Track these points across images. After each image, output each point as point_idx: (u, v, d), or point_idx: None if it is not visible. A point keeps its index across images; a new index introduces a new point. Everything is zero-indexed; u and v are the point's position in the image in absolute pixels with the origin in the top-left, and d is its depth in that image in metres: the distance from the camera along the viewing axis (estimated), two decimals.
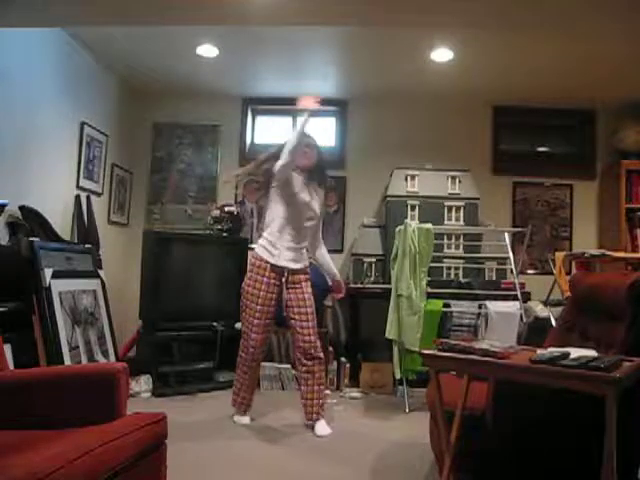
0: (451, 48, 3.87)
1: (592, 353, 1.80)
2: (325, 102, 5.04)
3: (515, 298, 3.74)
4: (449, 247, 4.27)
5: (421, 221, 4.02)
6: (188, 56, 4.13)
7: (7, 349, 2.67)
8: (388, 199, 4.44)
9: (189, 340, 4.07)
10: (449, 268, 4.25)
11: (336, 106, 5.07)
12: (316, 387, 3.09)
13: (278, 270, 3.06)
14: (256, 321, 3.05)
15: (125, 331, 4.34)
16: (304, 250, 3.19)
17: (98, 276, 3.76)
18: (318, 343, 3.11)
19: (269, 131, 5.23)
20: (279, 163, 3.00)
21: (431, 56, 3.99)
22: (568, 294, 2.94)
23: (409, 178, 4.44)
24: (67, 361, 3.12)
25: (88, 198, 4.10)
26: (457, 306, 3.81)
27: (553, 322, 3.41)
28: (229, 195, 4.97)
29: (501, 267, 4.23)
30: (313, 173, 3.16)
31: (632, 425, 1.77)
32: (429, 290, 3.71)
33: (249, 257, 3.20)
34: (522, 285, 3.91)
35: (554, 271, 3.83)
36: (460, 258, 4.26)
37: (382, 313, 3.77)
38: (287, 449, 2.84)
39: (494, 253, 4.21)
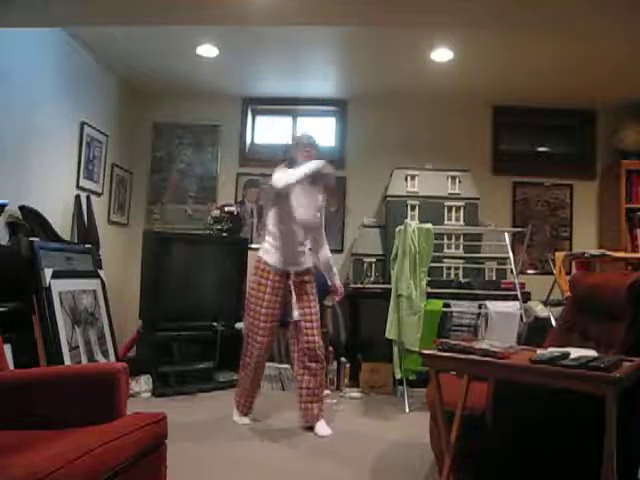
0: (451, 48, 3.87)
1: (592, 353, 1.80)
2: (325, 102, 5.10)
3: (515, 298, 3.74)
4: (449, 247, 4.27)
5: (421, 221, 4.02)
6: (188, 56, 4.13)
7: (7, 349, 2.67)
8: (388, 199, 4.44)
9: (189, 340, 4.07)
10: (449, 268, 4.25)
11: (336, 106, 5.08)
12: (317, 390, 3.09)
13: (281, 273, 3.06)
14: (262, 324, 3.05)
15: (125, 331, 4.34)
16: (307, 251, 3.19)
17: (98, 276, 3.76)
18: (322, 344, 3.12)
19: (269, 131, 5.24)
20: (284, 181, 2.91)
21: (431, 56, 3.99)
22: (568, 294, 2.94)
23: (409, 178, 4.44)
24: (67, 361, 3.12)
25: (88, 198, 4.10)
26: (457, 306, 3.81)
27: (553, 322, 3.41)
28: (229, 195, 4.98)
29: (501, 267, 4.23)
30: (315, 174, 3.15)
31: (632, 425, 1.77)
32: (429, 290, 3.72)
33: (253, 260, 3.19)
34: (522, 285, 3.91)
35: (554, 271, 3.83)
36: (460, 258, 4.26)
37: (382, 313, 3.77)
38: (287, 449, 2.84)
39: (494, 253, 4.21)
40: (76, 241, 3.87)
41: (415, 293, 3.64)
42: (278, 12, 2.91)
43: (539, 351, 1.87)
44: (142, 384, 3.78)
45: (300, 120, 5.20)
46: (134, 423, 1.69)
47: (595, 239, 4.89)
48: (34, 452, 1.41)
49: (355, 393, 4.04)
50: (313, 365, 3.07)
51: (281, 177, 2.95)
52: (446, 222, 4.32)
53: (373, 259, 4.46)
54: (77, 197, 4.00)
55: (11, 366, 2.56)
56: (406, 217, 4.19)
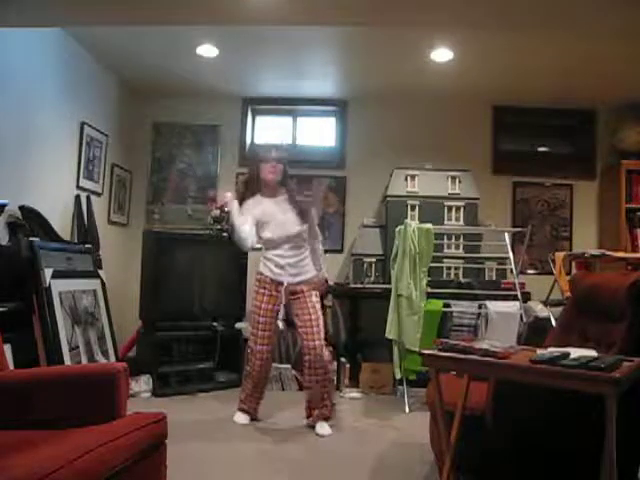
0: (451, 48, 3.87)
1: (592, 353, 1.80)
2: (325, 102, 5.09)
3: (515, 298, 3.74)
4: (449, 247, 4.27)
5: (421, 221, 4.01)
6: (188, 56, 4.12)
7: (7, 349, 2.66)
8: (388, 199, 4.44)
9: (189, 340, 4.07)
10: (449, 268, 4.24)
11: (336, 106, 5.07)
12: (320, 394, 3.11)
13: (277, 282, 3.12)
14: (260, 332, 3.13)
15: (125, 331, 4.33)
16: (304, 261, 3.17)
17: (98, 276, 3.76)
18: (324, 349, 3.08)
19: (269, 131, 5.23)
20: (245, 245, 3.08)
21: (431, 56, 3.99)
22: (568, 294, 2.95)
23: (409, 178, 4.43)
24: (67, 361, 3.12)
25: (88, 198, 4.10)
26: (457, 306, 3.81)
27: (553, 322, 3.41)
28: None
29: (501, 267, 4.23)
30: (281, 183, 3.18)
31: (632, 425, 1.77)
32: (429, 290, 3.71)
33: (253, 261, 3.22)
34: (522, 285, 3.91)
35: (554, 271, 3.83)
36: (460, 258, 4.26)
37: (382, 313, 3.77)
38: (287, 449, 2.84)
39: (494, 253, 4.20)
40: (76, 241, 3.87)
41: (415, 293, 3.64)
42: (278, 12, 2.91)
43: (539, 351, 1.87)
44: (142, 384, 3.78)
45: (300, 120, 5.20)
46: (134, 423, 1.70)
47: (595, 239, 4.89)
48: (34, 452, 1.41)
49: (355, 393, 4.04)
50: (315, 369, 3.07)
51: (238, 237, 3.07)
52: (446, 222, 4.32)
53: (373, 259, 4.46)
54: (77, 197, 4.00)
55: (11, 366, 2.55)
56: (406, 217, 4.18)
